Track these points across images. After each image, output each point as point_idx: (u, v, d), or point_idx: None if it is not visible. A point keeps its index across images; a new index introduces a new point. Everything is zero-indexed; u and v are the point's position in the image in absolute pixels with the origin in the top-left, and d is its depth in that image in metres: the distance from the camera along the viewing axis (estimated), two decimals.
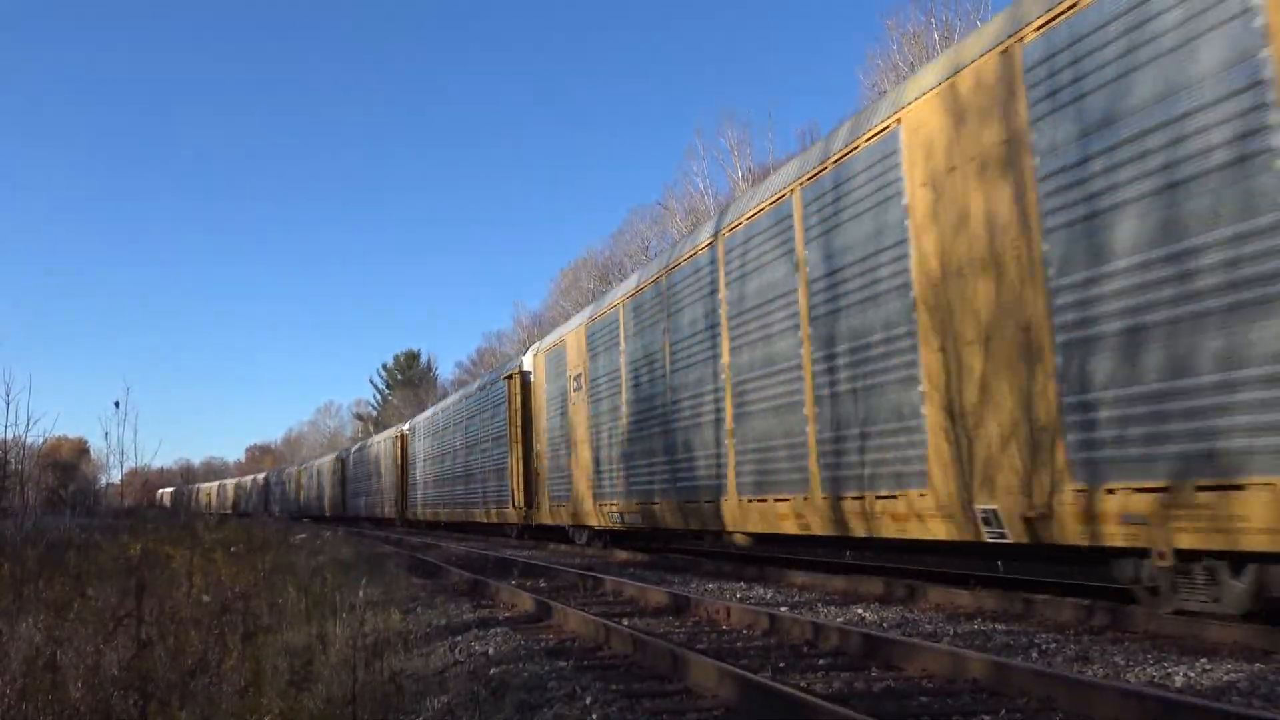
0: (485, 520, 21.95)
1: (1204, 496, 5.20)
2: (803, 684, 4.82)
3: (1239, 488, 5.03)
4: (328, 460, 48.09)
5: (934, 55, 27.49)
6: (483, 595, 9.77)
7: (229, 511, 62.54)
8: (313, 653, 5.75)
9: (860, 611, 7.47)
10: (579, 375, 15.41)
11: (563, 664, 5.62)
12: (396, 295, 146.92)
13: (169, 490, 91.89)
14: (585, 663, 5.72)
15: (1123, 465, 5.65)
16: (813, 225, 8.79)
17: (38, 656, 4.28)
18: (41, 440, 15.96)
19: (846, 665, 5.38)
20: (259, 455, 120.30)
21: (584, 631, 6.80)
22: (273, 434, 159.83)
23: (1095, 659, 5.27)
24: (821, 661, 5.50)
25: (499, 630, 7.10)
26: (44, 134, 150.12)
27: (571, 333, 16.11)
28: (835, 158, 8.48)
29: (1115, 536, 5.75)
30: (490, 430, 20.90)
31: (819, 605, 7.98)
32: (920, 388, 7.30)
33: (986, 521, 6.73)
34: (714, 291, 10.74)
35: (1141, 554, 5.85)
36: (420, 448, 30.22)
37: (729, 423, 10.25)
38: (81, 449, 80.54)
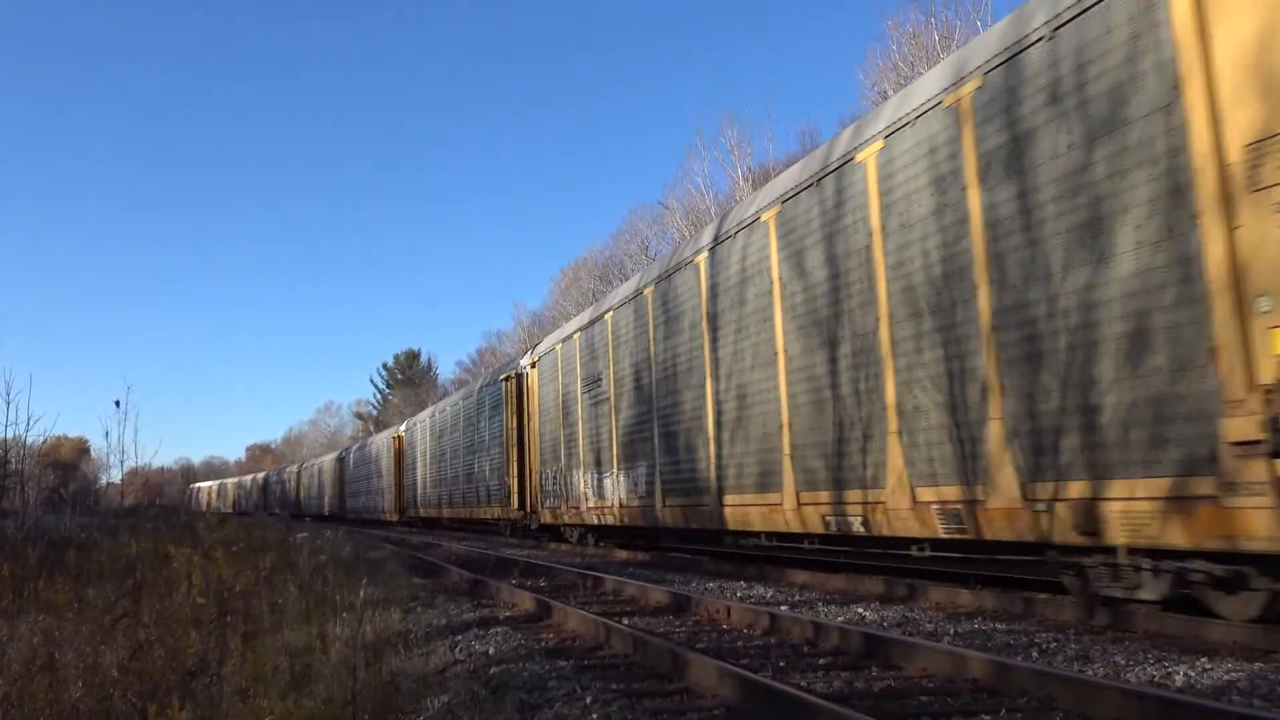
0: None
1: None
2: (803, 683, 4.82)
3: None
4: (425, 418, 31.54)
5: (934, 56, 27.49)
6: (483, 595, 9.77)
7: (230, 510, 62.56)
8: (313, 653, 5.75)
9: (861, 610, 7.47)
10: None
11: (563, 663, 5.62)
12: (396, 295, 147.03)
13: (198, 486, 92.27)
14: (585, 662, 5.72)
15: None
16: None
17: (36, 657, 4.28)
18: (42, 440, 15.97)
19: (847, 664, 5.38)
20: (259, 455, 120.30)
21: (584, 631, 6.79)
22: (273, 434, 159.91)
23: (1095, 658, 5.26)
24: (822, 661, 5.50)
25: (499, 630, 7.09)
26: (45, 134, 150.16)
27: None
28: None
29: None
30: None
31: (819, 604, 7.98)
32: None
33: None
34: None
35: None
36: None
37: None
38: (82, 449, 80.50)
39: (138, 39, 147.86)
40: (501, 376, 21.36)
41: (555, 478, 17.47)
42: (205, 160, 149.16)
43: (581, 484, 15.91)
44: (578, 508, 16.05)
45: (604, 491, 14.72)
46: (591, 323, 15.76)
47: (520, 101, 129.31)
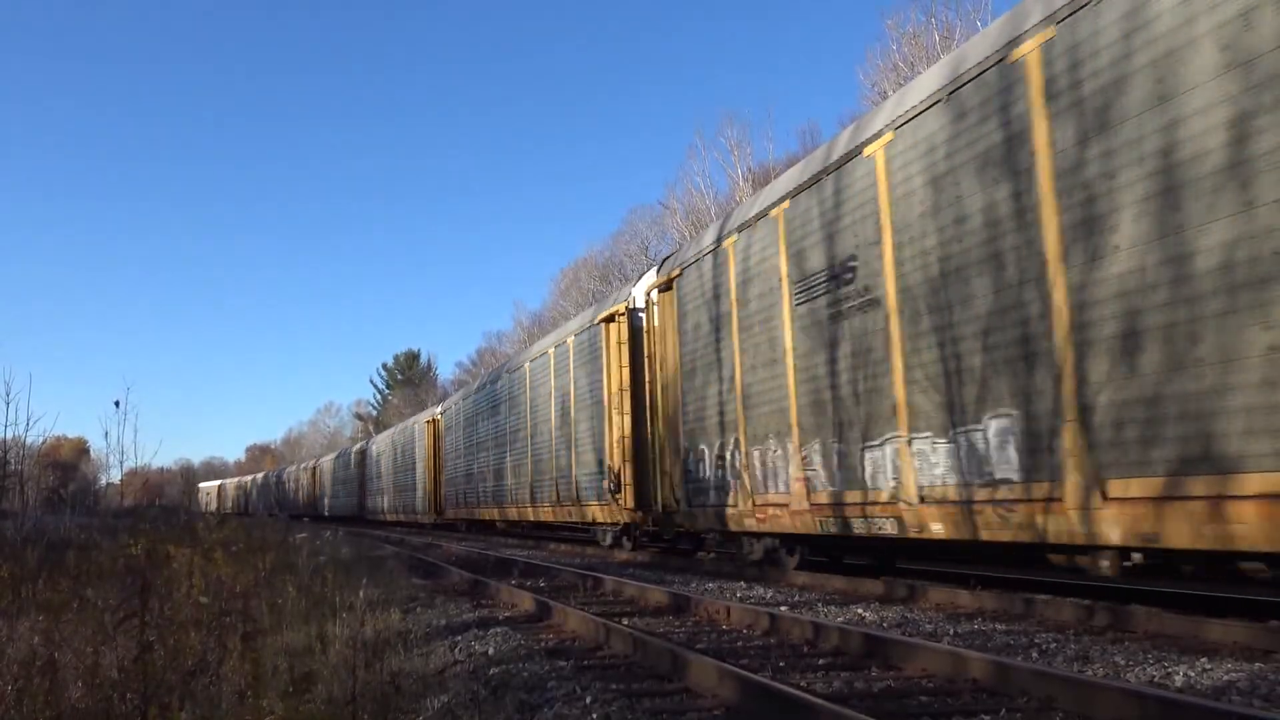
0: None
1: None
2: (803, 683, 4.81)
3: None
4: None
5: (934, 55, 27.47)
6: (483, 595, 9.76)
7: (232, 511, 62.49)
8: (313, 654, 5.75)
9: (860, 611, 7.47)
10: None
11: (563, 663, 5.62)
12: (396, 295, 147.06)
13: (210, 485, 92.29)
14: (585, 662, 5.71)
15: None
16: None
17: (36, 658, 4.27)
18: (41, 440, 15.95)
19: (847, 665, 5.38)
20: (259, 455, 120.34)
21: (584, 631, 6.79)
22: (273, 434, 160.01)
23: (1095, 659, 5.27)
24: (822, 661, 5.50)
25: (499, 630, 7.09)
26: (46, 134, 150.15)
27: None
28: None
29: None
30: None
31: (819, 605, 7.98)
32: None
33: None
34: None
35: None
36: None
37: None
38: (81, 449, 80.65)
39: (136, 36, 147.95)
40: (600, 317, 15.15)
41: (721, 459, 11.06)
42: (204, 160, 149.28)
43: (795, 464, 9.38)
44: (785, 505, 9.61)
45: (868, 474, 8.22)
46: (820, 176, 9.05)
47: (520, 101, 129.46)
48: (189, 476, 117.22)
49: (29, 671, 4.16)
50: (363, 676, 4.61)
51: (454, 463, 26.53)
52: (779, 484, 9.76)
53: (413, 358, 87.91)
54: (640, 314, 14.28)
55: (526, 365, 19.72)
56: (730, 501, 10.79)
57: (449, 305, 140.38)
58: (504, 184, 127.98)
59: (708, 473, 11.45)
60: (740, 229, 10.73)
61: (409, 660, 6.07)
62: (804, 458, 9.27)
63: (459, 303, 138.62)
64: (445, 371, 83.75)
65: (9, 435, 11.45)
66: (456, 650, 6.45)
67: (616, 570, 11.93)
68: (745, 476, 10.43)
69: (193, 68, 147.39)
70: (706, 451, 11.50)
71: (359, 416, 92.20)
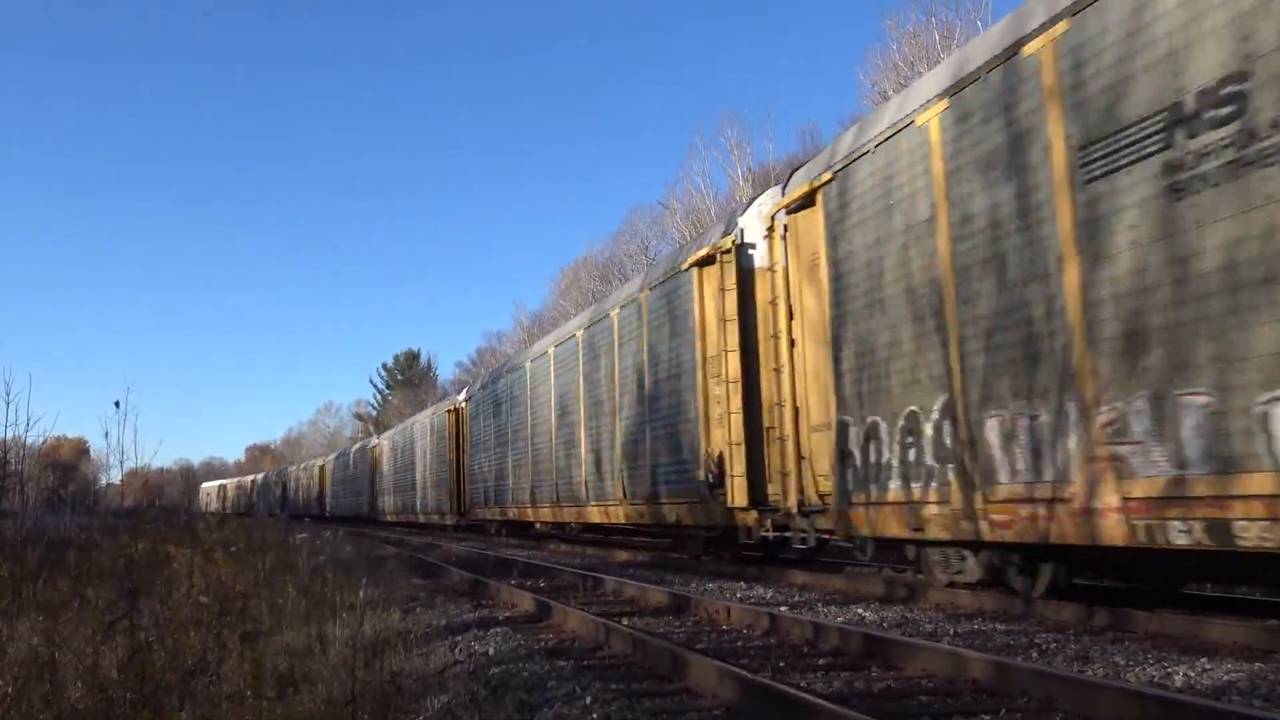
0: None
1: None
2: (803, 684, 4.82)
3: None
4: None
5: (934, 55, 27.48)
6: (483, 595, 9.77)
7: (232, 511, 62.44)
8: (313, 653, 5.75)
9: (860, 611, 7.47)
10: None
11: (563, 663, 5.62)
12: (396, 295, 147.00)
13: (211, 485, 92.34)
14: (585, 662, 5.72)
15: None
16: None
17: (36, 658, 4.27)
18: (41, 440, 15.95)
19: (847, 665, 5.38)
20: (259, 455, 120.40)
21: (584, 631, 6.79)
22: (273, 434, 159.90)
23: (1095, 659, 5.27)
24: (822, 661, 5.50)
25: (499, 630, 7.09)
26: (46, 134, 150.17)
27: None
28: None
29: None
30: None
31: (819, 605, 7.98)
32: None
33: None
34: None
35: None
36: None
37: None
38: (81, 449, 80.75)
39: (136, 36, 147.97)
40: (690, 260, 11.80)
41: (912, 434, 7.72)
42: (204, 160, 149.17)
43: (1086, 436, 6.03)
44: (1061, 501, 6.24)
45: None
46: None
47: (520, 101, 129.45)
48: (189, 477, 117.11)
49: (29, 671, 4.16)
50: (362, 676, 4.60)
51: (480, 457, 23.64)
52: (1045, 469, 6.38)
53: (413, 358, 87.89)
54: (751, 251, 10.96)
55: (579, 334, 16.53)
56: (933, 496, 7.49)
57: (449, 305, 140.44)
58: (504, 184, 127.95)
59: (886, 455, 8.11)
60: (949, 92, 7.38)
61: (409, 660, 6.07)
62: (1108, 424, 5.85)
63: (459, 303, 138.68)
64: (445, 371, 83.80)
65: (9, 435, 11.46)
66: (456, 650, 6.45)
67: (617, 570, 11.93)
68: (966, 458, 7.11)
69: (193, 68, 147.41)
70: (882, 425, 8.16)
71: (359, 416, 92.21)
